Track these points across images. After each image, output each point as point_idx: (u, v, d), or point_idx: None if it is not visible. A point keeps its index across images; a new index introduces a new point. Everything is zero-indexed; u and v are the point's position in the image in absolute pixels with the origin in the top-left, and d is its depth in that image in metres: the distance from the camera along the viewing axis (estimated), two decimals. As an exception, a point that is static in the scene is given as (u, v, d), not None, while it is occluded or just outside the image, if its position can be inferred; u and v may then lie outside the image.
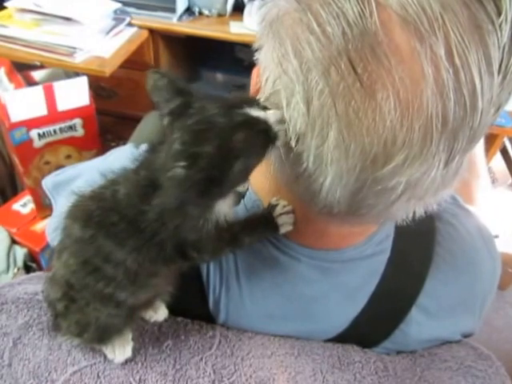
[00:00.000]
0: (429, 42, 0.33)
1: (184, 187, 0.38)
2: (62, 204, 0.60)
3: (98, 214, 0.44)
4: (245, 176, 0.44)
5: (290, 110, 0.39)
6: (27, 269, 1.49)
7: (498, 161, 1.98)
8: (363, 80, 0.34)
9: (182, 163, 0.38)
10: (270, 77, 0.41)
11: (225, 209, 0.46)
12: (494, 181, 1.98)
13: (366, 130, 0.36)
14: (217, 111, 0.41)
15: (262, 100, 0.43)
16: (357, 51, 0.34)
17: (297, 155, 0.41)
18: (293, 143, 0.40)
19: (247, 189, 0.58)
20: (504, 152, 1.99)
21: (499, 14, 0.34)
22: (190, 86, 0.43)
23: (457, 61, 0.33)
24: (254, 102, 0.42)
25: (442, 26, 0.33)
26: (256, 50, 0.45)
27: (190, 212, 0.43)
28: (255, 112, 0.41)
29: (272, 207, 0.51)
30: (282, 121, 0.41)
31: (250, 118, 0.41)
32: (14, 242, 1.53)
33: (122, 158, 0.63)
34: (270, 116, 0.41)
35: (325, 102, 0.36)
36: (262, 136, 0.41)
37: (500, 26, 0.34)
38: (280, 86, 0.40)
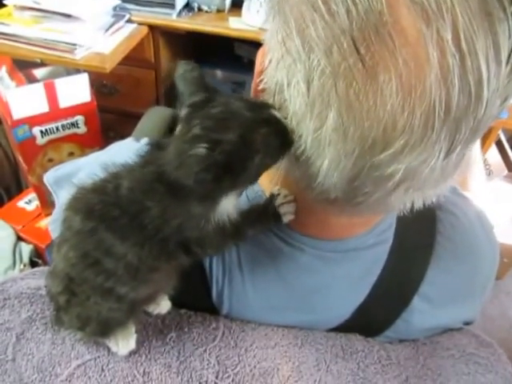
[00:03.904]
0: (436, 25, 0.32)
1: (204, 165, 0.38)
2: (63, 197, 0.60)
3: (99, 207, 0.44)
4: (258, 173, 0.44)
5: (291, 89, 0.38)
6: (33, 265, 1.50)
7: (494, 153, 1.97)
8: (365, 61, 0.33)
9: (204, 145, 0.38)
10: (274, 57, 0.40)
11: (229, 208, 0.46)
12: (489, 173, 1.97)
13: (365, 113, 0.35)
14: (243, 105, 0.41)
15: (265, 80, 0.43)
16: (360, 30, 0.33)
17: (295, 137, 0.41)
18: (293, 124, 0.40)
19: None
20: (499, 144, 1.98)
21: (511, 1, 0.32)
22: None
23: (464, 46, 0.32)
24: (275, 107, 0.42)
25: (451, 9, 0.31)
26: (253, 45, 0.44)
27: (192, 209, 0.43)
28: (278, 114, 0.41)
29: (274, 197, 0.51)
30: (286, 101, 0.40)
31: (274, 117, 0.41)
32: (19, 238, 1.55)
33: (123, 151, 0.63)
34: (288, 123, 0.41)
35: (325, 82, 0.35)
36: (282, 137, 0.41)
37: None
38: (283, 66, 0.39)
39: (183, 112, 0.42)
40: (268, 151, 0.41)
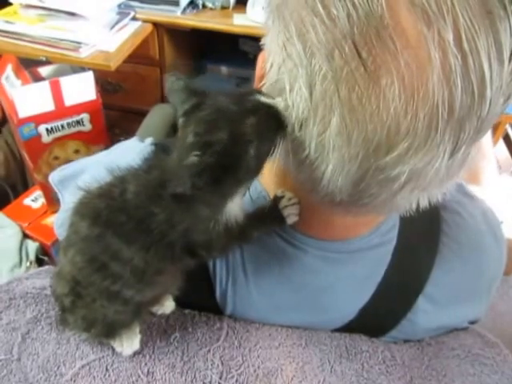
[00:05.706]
0: (437, 26, 0.32)
1: (197, 172, 0.38)
2: (68, 199, 0.60)
3: (106, 213, 0.44)
4: (259, 164, 0.43)
5: (293, 94, 0.38)
6: (39, 262, 1.51)
7: (501, 148, 1.96)
8: (367, 65, 0.33)
9: (196, 152, 0.38)
10: (275, 62, 0.40)
11: (236, 210, 0.46)
12: (497, 168, 1.97)
13: (369, 117, 0.35)
14: (228, 101, 0.41)
15: (266, 85, 0.43)
16: (362, 34, 0.33)
17: (299, 142, 0.40)
18: (295, 129, 0.40)
19: None
20: (507, 139, 1.98)
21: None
22: (205, 87, 0.44)
23: (465, 46, 0.32)
24: (262, 92, 0.42)
25: (451, 10, 0.31)
26: (258, 41, 0.44)
27: (200, 213, 0.43)
28: (264, 99, 0.41)
29: (278, 199, 0.51)
30: (288, 107, 0.40)
31: (261, 104, 0.41)
32: (25, 236, 1.55)
33: (127, 152, 0.63)
34: (279, 103, 0.40)
35: (328, 87, 0.35)
36: (273, 121, 0.41)
37: None
38: (284, 71, 0.39)
39: (180, 121, 0.43)
40: (262, 138, 0.41)
